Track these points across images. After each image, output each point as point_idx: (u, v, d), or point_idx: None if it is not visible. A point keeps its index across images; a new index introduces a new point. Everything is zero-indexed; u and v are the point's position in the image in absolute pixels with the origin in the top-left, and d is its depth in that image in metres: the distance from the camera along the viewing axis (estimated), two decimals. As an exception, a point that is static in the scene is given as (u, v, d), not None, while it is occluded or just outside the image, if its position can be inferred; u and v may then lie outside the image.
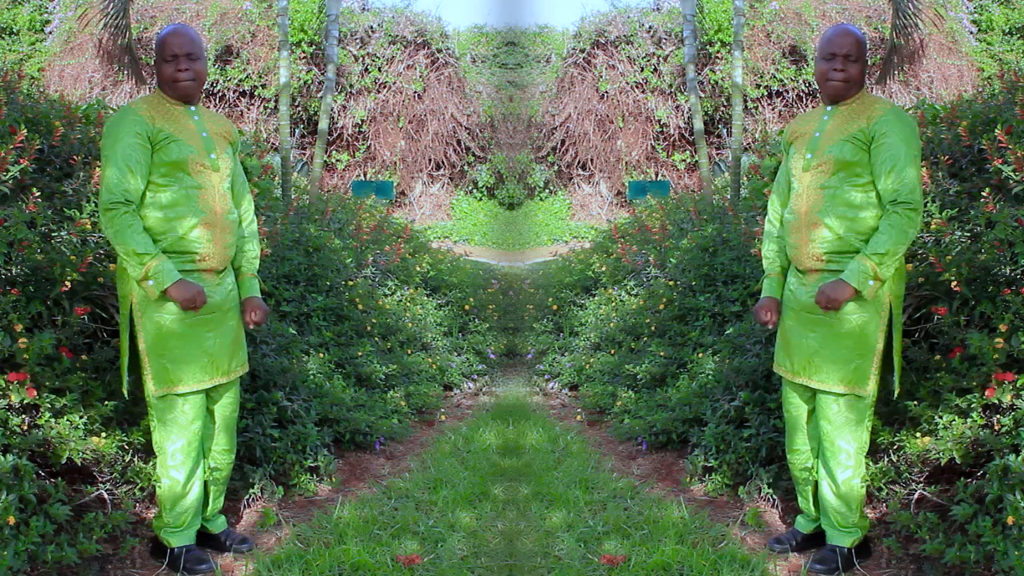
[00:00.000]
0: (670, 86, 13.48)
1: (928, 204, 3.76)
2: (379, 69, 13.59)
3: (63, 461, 3.21)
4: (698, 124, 10.80)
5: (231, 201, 3.39)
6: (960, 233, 3.56)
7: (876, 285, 3.16)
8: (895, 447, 3.56)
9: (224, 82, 12.61)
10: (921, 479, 3.51)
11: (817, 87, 3.53)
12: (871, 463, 3.65)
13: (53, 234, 3.53)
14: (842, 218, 3.23)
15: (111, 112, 4.94)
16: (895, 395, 3.42)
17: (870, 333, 3.25)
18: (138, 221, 3.17)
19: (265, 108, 12.81)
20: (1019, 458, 2.94)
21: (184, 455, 3.34)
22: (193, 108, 3.38)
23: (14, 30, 12.76)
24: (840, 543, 3.42)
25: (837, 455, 3.33)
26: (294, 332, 4.92)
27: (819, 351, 3.30)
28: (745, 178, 7.27)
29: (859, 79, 3.31)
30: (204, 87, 3.48)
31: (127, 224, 3.14)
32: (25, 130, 3.44)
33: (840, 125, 3.29)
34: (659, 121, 13.51)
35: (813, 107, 12.48)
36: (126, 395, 3.41)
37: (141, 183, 3.19)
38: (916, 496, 3.47)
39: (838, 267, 3.26)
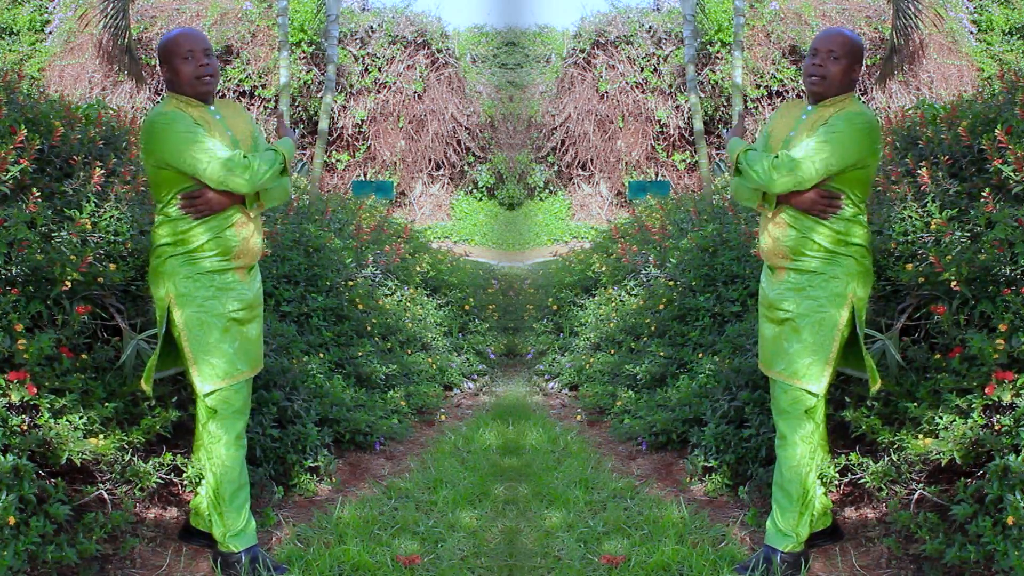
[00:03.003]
0: (670, 86, 13.47)
1: (928, 204, 3.77)
2: (379, 69, 13.59)
3: (63, 461, 3.21)
4: (698, 124, 10.81)
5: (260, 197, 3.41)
6: (960, 233, 3.56)
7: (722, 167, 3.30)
8: (895, 447, 3.56)
9: (224, 82, 12.60)
10: (921, 479, 3.51)
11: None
12: (871, 462, 3.65)
13: (53, 234, 3.53)
14: (801, 221, 3.27)
15: (111, 112, 4.94)
16: (872, 391, 3.45)
17: (828, 332, 3.29)
18: (250, 158, 3.23)
19: (265, 108, 12.81)
20: (1019, 458, 2.94)
21: (236, 445, 3.36)
22: (213, 108, 3.38)
23: (14, 30, 12.75)
24: (775, 544, 3.38)
25: (785, 446, 3.37)
26: (294, 332, 4.92)
27: (780, 343, 3.35)
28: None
29: (838, 78, 3.27)
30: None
31: (249, 165, 3.20)
32: (25, 130, 3.44)
33: (811, 125, 3.31)
34: (659, 121, 13.51)
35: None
36: (150, 392, 3.44)
37: (222, 141, 3.25)
38: (916, 496, 3.47)
39: (802, 265, 3.30)
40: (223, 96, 12.61)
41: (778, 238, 3.32)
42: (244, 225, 3.31)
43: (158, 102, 13.84)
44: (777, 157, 3.22)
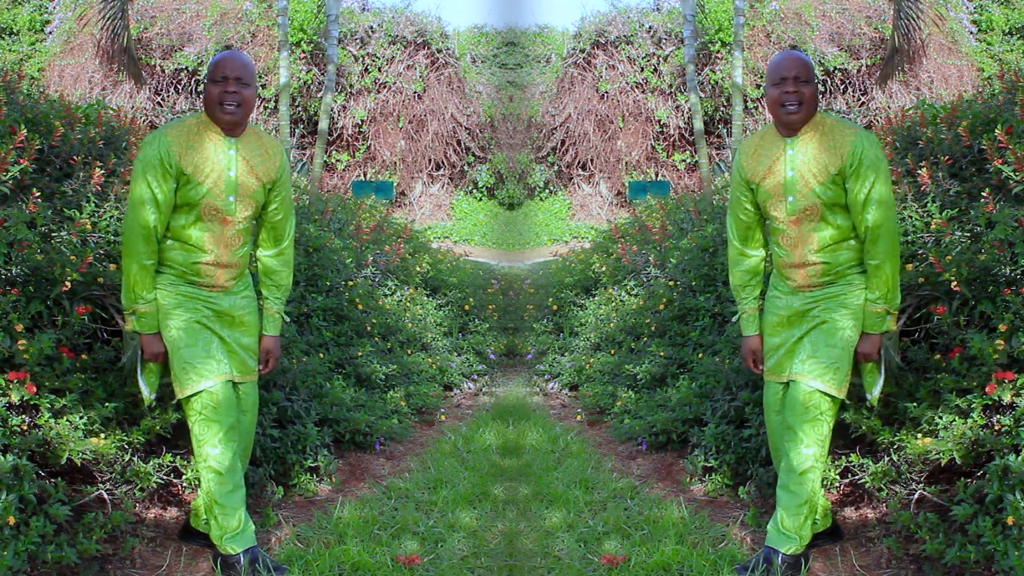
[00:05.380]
0: (670, 86, 13.47)
1: (928, 204, 3.76)
2: (379, 69, 13.60)
3: (63, 461, 3.21)
4: (698, 124, 10.81)
5: (244, 238, 3.39)
6: (960, 233, 3.56)
7: (894, 316, 3.30)
8: (895, 447, 3.56)
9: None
10: (921, 479, 3.51)
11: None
12: (871, 463, 3.65)
13: (53, 234, 3.53)
14: (832, 250, 3.32)
15: (111, 112, 4.94)
16: (871, 399, 3.47)
17: (853, 340, 3.32)
18: (145, 257, 3.24)
19: (265, 108, 12.80)
20: (1019, 458, 2.94)
21: (223, 446, 3.31)
22: (233, 141, 3.33)
23: (14, 30, 12.76)
24: (777, 546, 3.35)
25: (798, 445, 3.32)
26: (294, 332, 4.92)
27: (805, 347, 3.34)
28: (745, 178, 7.27)
29: (812, 101, 3.28)
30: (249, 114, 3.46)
31: (134, 256, 3.23)
32: (25, 130, 3.44)
33: (812, 163, 3.28)
34: (659, 121, 13.51)
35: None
36: (149, 400, 3.47)
37: (157, 214, 3.24)
38: (916, 496, 3.47)
39: (830, 281, 3.35)
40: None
41: (814, 273, 3.34)
42: (211, 264, 3.34)
43: (159, 102, 13.65)
44: (880, 243, 3.21)
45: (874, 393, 3.44)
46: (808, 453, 3.31)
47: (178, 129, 3.30)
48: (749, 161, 3.40)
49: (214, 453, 3.30)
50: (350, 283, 5.86)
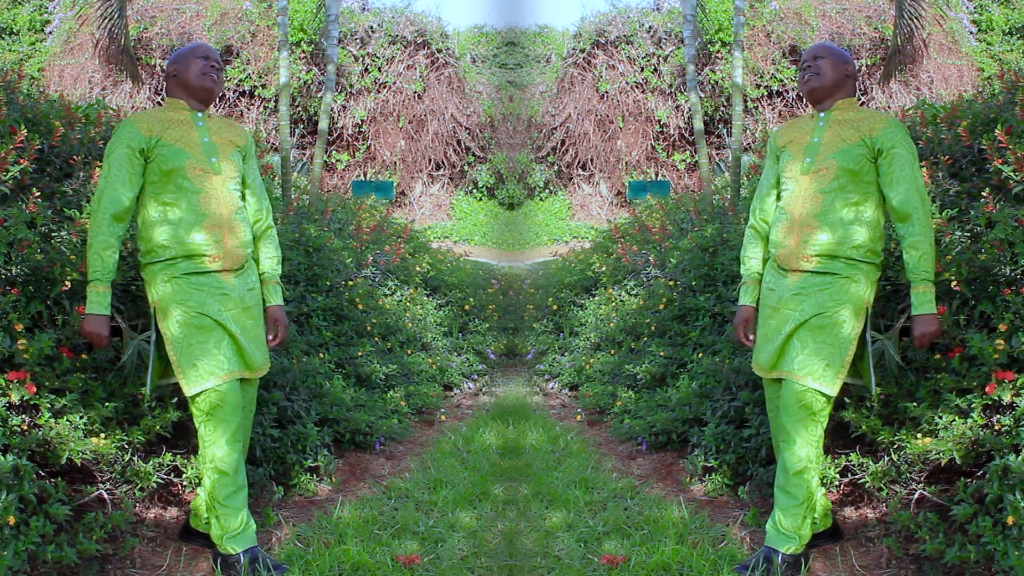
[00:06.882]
0: (670, 86, 13.48)
1: (928, 204, 3.77)
2: (379, 69, 13.60)
3: (63, 461, 3.21)
4: (698, 124, 10.79)
5: (239, 202, 3.40)
6: (960, 233, 3.56)
7: (932, 293, 3.31)
8: (895, 447, 3.56)
9: (224, 82, 12.62)
10: (921, 479, 3.51)
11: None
12: (871, 462, 3.66)
13: (53, 234, 3.53)
14: (836, 226, 3.29)
15: (111, 112, 4.95)
16: (872, 395, 3.46)
17: (847, 335, 3.29)
18: (113, 237, 3.25)
19: (265, 108, 12.82)
20: (1019, 458, 2.94)
21: (229, 447, 3.30)
22: (200, 115, 3.43)
23: (14, 30, 12.76)
24: (777, 546, 3.35)
25: (792, 446, 3.32)
26: (294, 332, 4.92)
27: (795, 344, 3.31)
28: (745, 178, 7.28)
29: (829, 72, 3.42)
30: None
31: (101, 236, 3.25)
32: (25, 130, 3.44)
33: (841, 133, 3.36)
34: (659, 121, 13.51)
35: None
36: (149, 396, 3.49)
37: (127, 192, 3.28)
38: (916, 496, 3.47)
39: (824, 269, 3.31)
40: (223, 97, 12.66)
41: (807, 241, 3.32)
42: (214, 229, 3.30)
43: (159, 102, 13.74)
44: (917, 225, 3.27)
45: (873, 391, 3.44)
46: (802, 454, 3.31)
47: (143, 115, 3.40)
48: (783, 130, 3.56)
49: (220, 455, 3.30)
50: (350, 283, 5.86)
